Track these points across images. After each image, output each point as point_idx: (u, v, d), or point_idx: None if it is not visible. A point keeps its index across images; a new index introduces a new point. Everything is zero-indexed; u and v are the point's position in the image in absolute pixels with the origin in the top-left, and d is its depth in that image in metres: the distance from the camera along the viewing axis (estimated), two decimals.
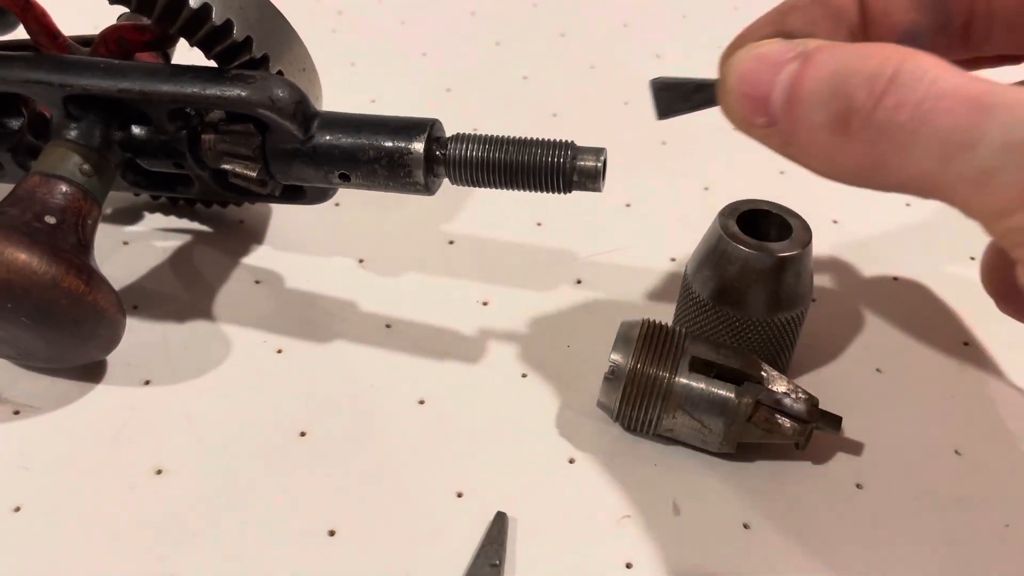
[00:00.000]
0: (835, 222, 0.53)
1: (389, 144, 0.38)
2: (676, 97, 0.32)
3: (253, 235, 0.50)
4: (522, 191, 0.39)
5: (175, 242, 0.49)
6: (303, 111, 0.38)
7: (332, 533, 0.36)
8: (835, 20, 0.31)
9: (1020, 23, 0.31)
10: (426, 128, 0.38)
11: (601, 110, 0.62)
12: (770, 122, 0.27)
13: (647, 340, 0.38)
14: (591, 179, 0.37)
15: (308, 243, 0.50)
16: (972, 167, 0.23)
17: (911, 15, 0.31)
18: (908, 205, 0.55)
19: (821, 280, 0.48)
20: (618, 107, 0.63)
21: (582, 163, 0.37)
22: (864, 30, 0.31)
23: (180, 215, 0.51)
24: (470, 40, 0.70)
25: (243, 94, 0.38)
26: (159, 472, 0.38)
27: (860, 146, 0.25)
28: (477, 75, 0.66)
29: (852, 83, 0.25)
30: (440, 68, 0.66)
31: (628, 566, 0.35)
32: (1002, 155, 0.23)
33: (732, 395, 0.37)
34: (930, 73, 0.24)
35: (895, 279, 0.49)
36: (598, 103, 0.63)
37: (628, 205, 0.54)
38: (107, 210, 0.51)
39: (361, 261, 0.49)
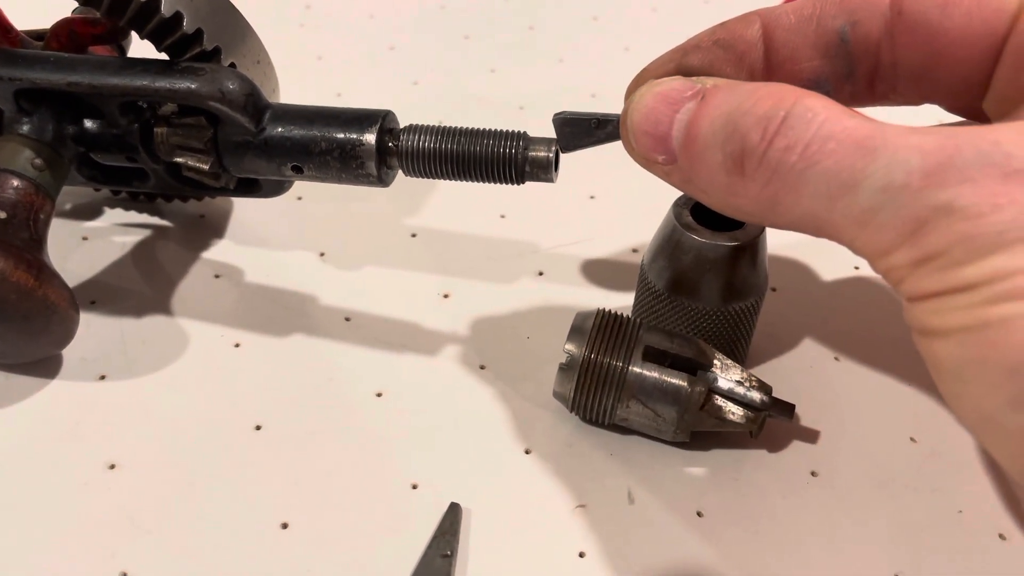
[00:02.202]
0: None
1: (341, 136, 0.38)
2: (579, 132, 0.33)
3: (214, 230, 0.50)
4: (476, 182, 0.39)
5: (135, 237, 0.49)
6: (254, 103, 0.38)
7: (285, 526, 0.36)
8: (736, 63, 0.31)
9: (924, 75, 0.31)
10: (378, 119, 0.38)
11: (569, 103, 0.62)
12: (669, 160, 0.28)
13: (601, 330, 0.38)
14: (543, 169, 0.37)
15: (269, 237, 0.50)
16: (855, 207, 0.24)
17: (815, 63, 0.31)
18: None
19: (781, 270, 0.48)
20: (586, 100, 0.63)
21: (534, 153, 0.37)
22: (767, 75, 0.32)
23: (140, 210, 0.51)
24: (438, 33, 0.69)
25: (193, 86, 0.38)
26: (112, 467, 0.38)
27: (754, 186, 0.26)
28: (445, 69, 0.65)
29: (746, 124, 0.25)
30: (408, 62, 0.66)
31: (581, 555, 0.35)
32: (881, 196, 0.23)
33: (685, 384, 0.37)
34: (820, 115, 0.24)
35: (856, 268, 0.49)
36: (566, 96, 0.63)
37: (592, 197, 0.54)
38: (66, 205, 0.51)
39: (322, 255, 0.49)
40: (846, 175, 0.24)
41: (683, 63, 0.32)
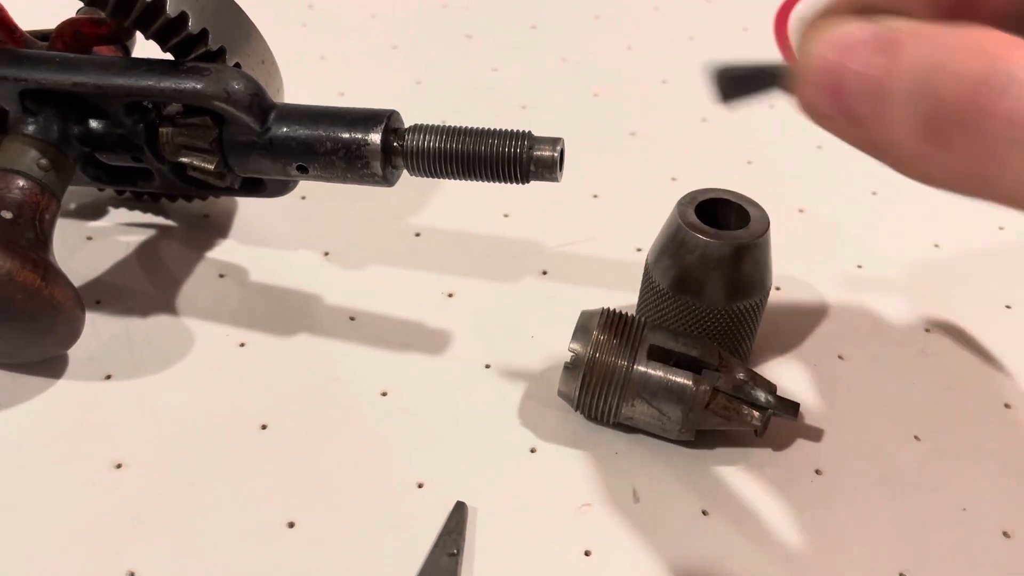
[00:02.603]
0: (801, 211, 0.53)
1: (346, 136, 0.38)
2: (739, 84, 0.28)
3: (218, 229, 0.50)
4: (481, 182, 0.39)
5: (139, 237, 0.49)
6: (259, 103, 0.38)
7: (291, 525, 0.36)
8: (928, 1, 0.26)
9: None
10: (383, 119, 0.38)
11: (571, 102, 0.63)
12: (848, 119, 0.24)
13: (606, 329, 0.38)
14: (548, 169, 0.37)
15: (273, 237, 0.50)
16: None
17: None
18: (874, 194, 0.55)
19: (786, 268, 0.48)
20: (588, 99, 0.63)
21: (539, 153, 0.37)
22: (956, 9, 0.26)
23: (145, 210, 0.51)
24: (441, 33, 0.70)
25: (198, 86, 0.38)
26: (119, 466, 0.38)
27: (956, 159, 0.22)
28: (448, 68, 0.66)
29: (947, 85, 0.21)
30: (410, 61, 0.66)
31: (587, 554, 0.35)
32: None
33: (690, 383, 0.37)
34: None
35: (859, 267, 0.49)
36: (568, 95, 0.63)
37: (596, 196, 0.54)
38: (71, 205, 0.51)
39: (326, 254, 0.49)
40: None
41: (866, 5, 0.27)
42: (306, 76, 0.62)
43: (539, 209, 0.52)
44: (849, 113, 0.24)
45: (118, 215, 0.51)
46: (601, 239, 0.51)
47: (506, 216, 0.52)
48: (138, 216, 0.51)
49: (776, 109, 0.62)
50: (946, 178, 0.23)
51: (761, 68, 0.28)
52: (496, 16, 0.72)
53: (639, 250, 0.50)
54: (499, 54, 0.67)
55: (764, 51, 0.68)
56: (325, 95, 0.62)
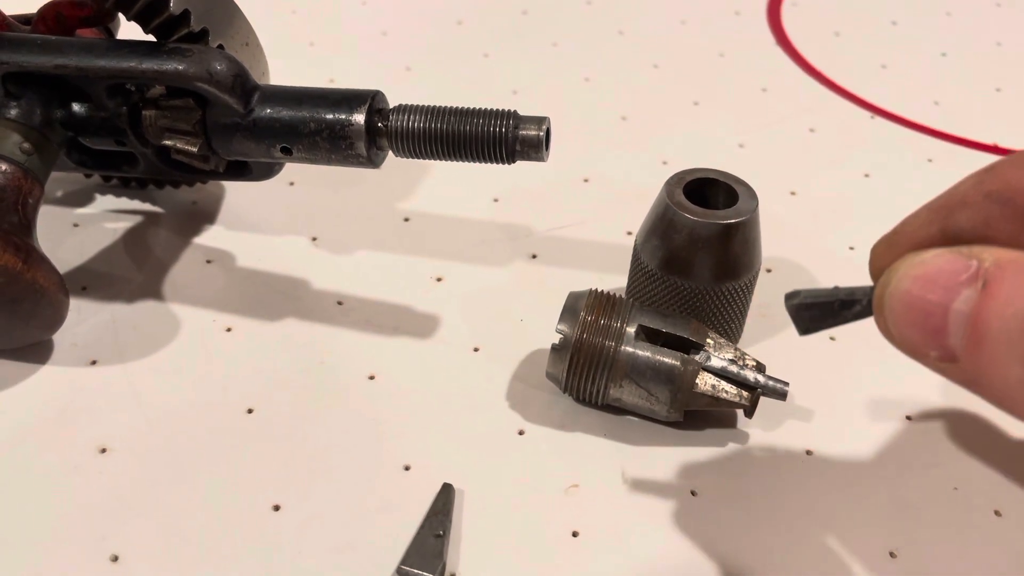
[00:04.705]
0: (793, 194, 0.53)
1: (330, 116, 0.37)
2: (820, 315, 0.27)
3: (205, 215, 0.50)
4: (467, 162, 0.38)
5: (126, 224, 0.49)
6: (242, 84, 0.38)
7: (277, 508, 0.36)
8: (1019, 220, 0.24)
9: None
10: (367, 99, 0.38)
11: (562, 87, 0.62)
12: (946, 357, 0.22)
13: (593, 310, 0.37)
14: (534, 148, 0.37)
15: (261, 223, 0.49)
16: None
17: None
18: (866, 176, 0.55)
19: (778, 251, 0.48)
20: (579, 84, 0.62)
21: (524, 132, 0.37)
22: None
23: (132, 197, 0.51)
24: (431, 19, 0.69)
25: (180, 67, 0.37)
26: (103, 451, 0.37)
27: None
28: (438, 54, 0.65)
29: None
30: (400, 47, 0.66)
31: (574, 535, 0.35)
32: None
33: (678, 363, 0.36)
34: None
35: (851, 248, 0.49)
36: (559, 80, 0.63)
37: (586, 180, 0.54)
38: (57, 192, 0.51)
39: (314, 239, 0.49)
40: None
41: (948, 225, 0.25)
42: (295, 62, 0.62)
43: (529, 193, 0.52)
44: (946, 351, 0.22)
45: (105, 202, 0.50)
46: (592, 223, 0.50)
47: (496, 200, 0.52)
48: (125, 203, 0.50)
49: (768, 92, 0.62)
50: None
51: (842, 299, 0.26)
52: (486, 2, 0.71)
53: (630, 234, 0.49)
54: (490, 40, 0.67)
55: (756, 37, 0.68)
56: (314, 82, 0.60)
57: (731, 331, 0.41)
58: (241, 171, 0.43)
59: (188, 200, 0.51)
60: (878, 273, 0.26)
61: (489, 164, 0.38)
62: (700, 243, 0.38)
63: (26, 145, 0.40)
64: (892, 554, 0.35)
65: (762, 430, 0.39)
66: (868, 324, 0.44)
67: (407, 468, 0.37)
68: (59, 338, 0.42)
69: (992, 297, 0.21)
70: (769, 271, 0.47)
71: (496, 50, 0.66)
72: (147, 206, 0.50)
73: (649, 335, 0.37)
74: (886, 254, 0.26)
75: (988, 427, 0.40)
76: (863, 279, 0.47)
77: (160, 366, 0.41)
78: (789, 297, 0.27)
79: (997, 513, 0.36)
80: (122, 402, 0.39)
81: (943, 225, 0.25)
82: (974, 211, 0.24)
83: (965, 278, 0.21)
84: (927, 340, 0.22)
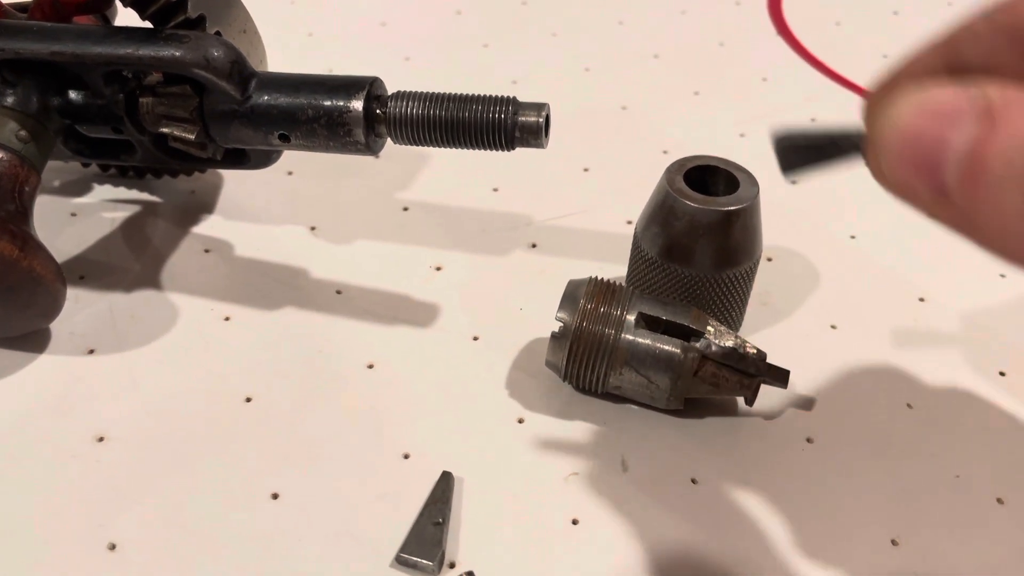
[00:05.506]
0: (794, 183, 0.53)
1: (328, 103, 0.37)
2: (807, 155, 0.25)
3: (204, 205, 0.50)
4: (466, 149, 0.38)
5: (124, 213, 0.49)
6: (239, 71, 0.38)
7: (275, 496, 0.35)
8: None
9: None
10: (365, 86, 0.37)
11: (562, 77, 0.62)
12: (938, 195, 0.21)
13: (593, 298, 0.37)
14: (533, 135, 0.37)
15: (260, 212, 0.49)
16: None
17: None
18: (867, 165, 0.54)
19: (779, 239, 0.48)
20: (579, 73, 0.62)
21: (524, 119, 0.37)
22: None
23: (130, 186, 0.51)
24: (430, 9, 0.69)
25: (177, 54, 0.37)
26: (101, 440, 0.37)
27: None
28: (437, 44, 0.65)
29: None
30: (399, 37, 0.65)
31: (574, 523, 0.35)
32: None
33: (678, 350, 0.36)
34: None
35: (852, 237, 0.49)
36: (559, 70, 0.62)
37: (586, 170, 0.53)
38: (55, 182, 0.50)
39: (313, 229, 0.48)
40: None
41: (953, 60, 0.24)
42: (294, 53, 0.61)
43: (529, 183, 0.52)
44: (941, 190, 0.21)
45: (103, 191, 0.50)
46: (592, 212, 0.50)
47: (495, 190, 0.52)
48: (123, 192, 0.50)
49: (768, 82, 0.62)
50: None
51: (831, 136, 0.25)
52: None
53: (629, 223, 0.49)
54: (489, 30, 0.66)
55: (757, 26, 0.67)
56: (313, 72, 0.61)
57: (732, 319, 0.41)
58: (239, 159, 0.43)
59: (186, 189, 0.51)
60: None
61: (488, 151, 0.38)
62: (701, 230, 0.38)
63: (22, 133, 0.39)
64: (894, 541, 0.35)
65: (763, 418, 0.39)
66: (872, 316, 0.44)
67: (406, 456, 0.37)
68: (57, 327, 0.41)
69: (996, 130, 0.20)
70: (770, 260, 0.47)
71: (496, 40, 0.65)
72: (145, 195, 0.50)
73: (649, 323, 0.37)
74: (884, 90, 0.24)
75: (990, 415, 0.40)
76: (865, 268, 0.47)
77: (158, 355, 0.41)
78: (779, 137, 0.25)
79: (999, 501, 0.36)
80: (120, 391, 0.39)
81: (948, 60, 0.24)
82: (982, 44, 0.23)
83: (968, 111, 0.20)
84: (921, 177, 0.21)
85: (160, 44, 0.37)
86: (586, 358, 0.37)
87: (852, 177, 0.53)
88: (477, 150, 0.38)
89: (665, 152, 0.55)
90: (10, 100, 0.40)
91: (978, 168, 0.20)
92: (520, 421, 0.39)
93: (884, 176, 0.22)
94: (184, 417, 0.38)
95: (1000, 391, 0.41)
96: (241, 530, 0.34)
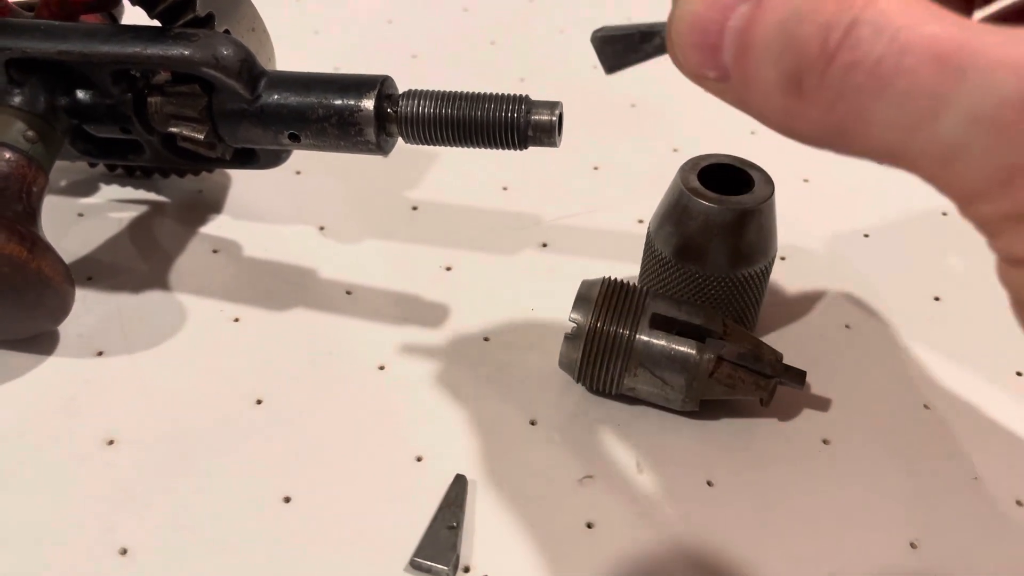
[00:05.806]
0: (806, 181, 0.52)
1: (338, 102, 0.37)
2: (623, 49, 0.28)
3: (212, 205, 0.49)
4: (478, 148, 0.38)
5: (131, 213, 0.48)
6: (249, 70, 0.37)
7: (287, 500, 0.35)
8: None
9: None
10: (376, 85, 0.37)
11: (570, 74, 0.61)
12: (721, 76, 0.23)
13: (607, 298, 0.37)
14: (546, 134, 0.36)
15: (268, 212, 0.49)
16: (937, 141, 0.19)
17: None
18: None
19: (791, 238, 0.47)
20: (587, 71, 0.61)
21: (537, 117, 0.36)
22: None
23: (137, 186, 0.50)
24: (437, 6, 0.68)
25: (186, 52, 0.37)
26: (111, 443, 0.37)
27: (815, 111, 0.21)
28: (444, 41, 0.64)
29: (804, 33, 0.20)
30: (406, 35, 0.65)
31: (589, 526, 0.34)
32: (969, 129, 0.19)
33: (693, 351, 0.36)
34: (895, 21, 0.19)
35: (866, 236, 0.48)
36: (567, 67, 0.62)
37: (596, 168, 0.53)
38: (62, 182, 0.50)
39: (322, 229, 0.48)
40: (925, 101, 0.19)
41: None
42: (300, 51, 0.61)
43: (539, 182, 0.51)
44: (721, 70, 0.23)
45: (110, 191, 0.50)
46: (602, 211, 0.50)
47: (505, 189, 0.51)
48: (130, 192, 0.50)
49: None
50: (814, 135, 0.22)
51: (641, 30, 0.27)
52: None
53: (641, 222, 0.49)
54: (496, 27, 0.66)
55: None
56: (320, 70, 0.60)
57: (747, 319, 0.41)
58: (248, 159, 0.42)
59: (194, 189, 0.50)
60: None
61: (500, 150, 0.37)
62: (715, 230, 0.37)
63: (30, 133, 0.39)
64: (913, 544, 0.34)
65: (778, 419, 0.39)
66: (888, 315, 0.44)
67: (419, 459, 0.37)
68: (65, 329, 0.41)
69: (760, 8, 0.21)
70: (784, 259, 0.46)
71: (503, 37, 0.65)
72: (152, 195, 0.50)
73: (664, 324, 0.37)
74: None
75: (1007, 416, 0.39)
76: (880, 267, 0.47)
77: (167, 357, 0.41)
78: (596, 33, 0.27)
79: (1019, 503, 0.36)
80: (129, 393, 0.39)
81: None
82: None
83: None
84: (705, 59, 0.23)
85: (168, 43, 0.37)
86: (600, 359, 0.37)
87: (863, 176, 0.53)
88: (489, 149, 0.38)
89: (675, 150, 0.54)
90: (17, 100, 0.39)
91: (744, 46, 0.22)
92: (533, 423, 0.38)
93: (680, 62, 0.24)
94: (195, 420, 0.38)
95: (1018, 391, 0.40)
96: (253, 534, 0.34)
